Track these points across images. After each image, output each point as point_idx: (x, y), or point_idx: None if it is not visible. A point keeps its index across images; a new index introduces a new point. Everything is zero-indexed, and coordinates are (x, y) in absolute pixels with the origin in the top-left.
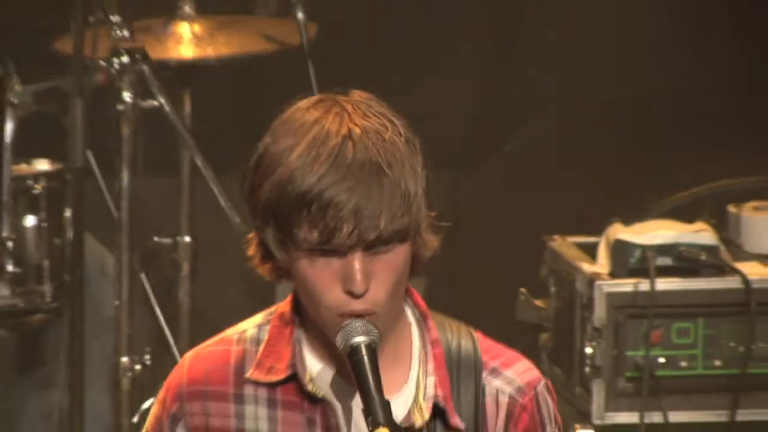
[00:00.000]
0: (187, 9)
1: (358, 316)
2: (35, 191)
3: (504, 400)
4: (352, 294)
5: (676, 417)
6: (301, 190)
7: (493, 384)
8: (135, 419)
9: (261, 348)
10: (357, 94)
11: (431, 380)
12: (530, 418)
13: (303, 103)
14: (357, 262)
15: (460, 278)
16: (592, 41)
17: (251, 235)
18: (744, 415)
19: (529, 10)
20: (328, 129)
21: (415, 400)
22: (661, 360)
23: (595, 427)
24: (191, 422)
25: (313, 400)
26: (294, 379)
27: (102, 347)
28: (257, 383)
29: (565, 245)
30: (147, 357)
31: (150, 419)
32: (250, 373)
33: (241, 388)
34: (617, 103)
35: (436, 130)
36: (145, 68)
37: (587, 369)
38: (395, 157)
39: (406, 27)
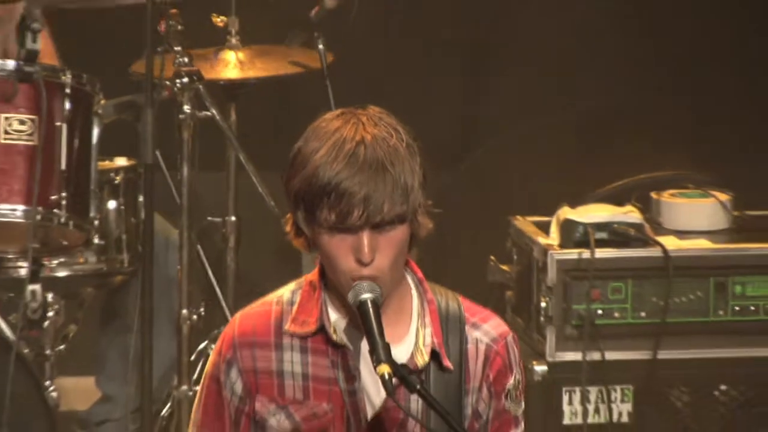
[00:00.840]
0: (234, 41)
1: (366, 279)
2: (116, 182)
3: (482, 347)
4: (361, 263)
5: (610, 356)
6: (322, 183)
7: (473, 335)
8: (192, 357)
9: (295, 308)
10: (372, 109)
11: (428, 331)
12: (502, 361)
13: (328, 115)
14: (365, 238)
15: (446, 250)
16: (557, 59)
17: (288, 216)
18: (662, 354)
19: (503, 33)
20: (346, 135)
21: (416, 346)
22: (599, 312)
23: (547, 363)
24: (242, 365)
25: (336, 346)
26: (321, 331)
27: (167, 302)
28: (293, 335)
29: (525, 223)
30: (201, 309)
31: (208, 366)
32: (287, 327)
33: (280, 339)
34: (571, 112)
35: (428, 134)
36: (200, 87)
37: (542, 319)
38: (397, 158)
39: (401, 51)
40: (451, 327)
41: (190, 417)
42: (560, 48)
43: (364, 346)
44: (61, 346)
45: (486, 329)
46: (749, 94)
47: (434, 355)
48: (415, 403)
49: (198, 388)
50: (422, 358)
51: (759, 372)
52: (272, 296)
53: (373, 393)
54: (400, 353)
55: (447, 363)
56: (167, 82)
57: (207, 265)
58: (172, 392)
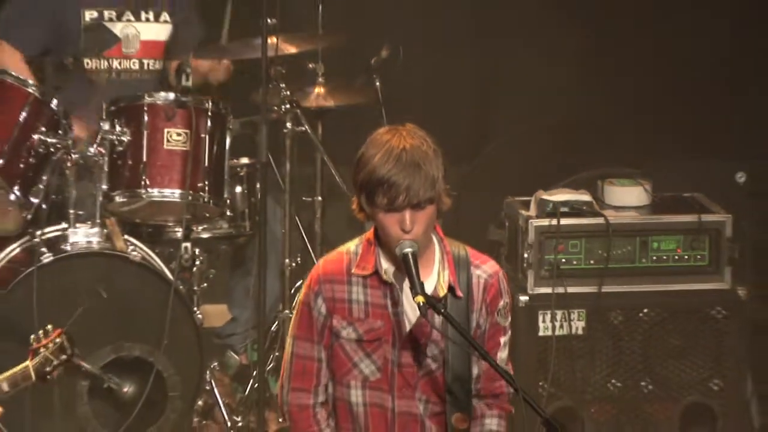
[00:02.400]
0: (320, 79)
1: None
2: (241, 174)
3: (482, 280)
4: (404, 231)
5: (570, 290)
6: (379, 177)
7: (476, 273)
8: (292, 291)
9: (358, 257)
10: (409, 125)
11: (446, 272)
12: (495, 289)
13: (381, 130)
14: (407, 215)
15: (461, 218)
16: (538, 83)
17: (354, 198)
18: (605, 289)
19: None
20: (393, 144)
21: (438, 282)
22: (563, 260)
23: (528, 295)
24: (325, 295)
25: (386, 284)
26: (376, 273)
27: (275, 255)
28: (357, 275)
29: (514, 201)
30: (298, 259)
31: (301, 295)
32: (354, 270)
33: (349, 277)
34: (550, 123)
35: (448, 139)
36: (298, 111)
37: (524, 265)
38: (427, 159)
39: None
40: (461, 267)
41: (289, 331)
42: (535, 71)
43: (405, 284)
44: (204, 284)
45: (485, 268)
46: (670, 102)
47: (450, 288)
48: (438, 321)
49: (295, 311)
50: (442, 290)
51: (669, 300)
52: (343, 248)
53: (410, 314)
54: (428, 287)
55: (459, 293)
56: (275, 107)
57: (302, 229)
58: (278, 314)
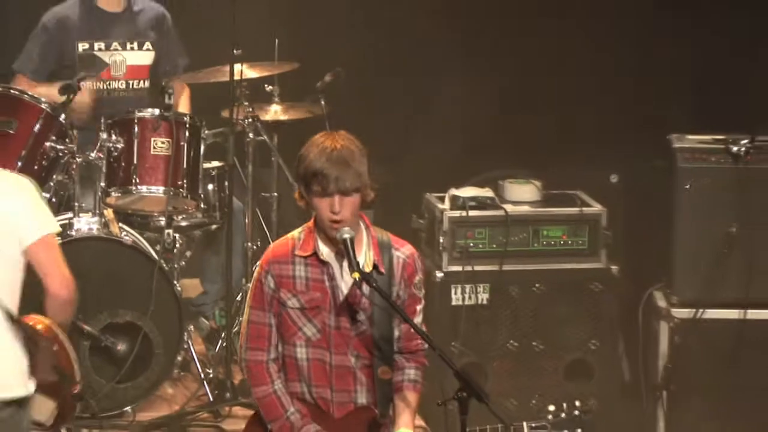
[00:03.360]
0: (276, 98)
1: (336, 223)
2: (213, 174)
3: (401, 260)
4: (333, 213)
5: (477, 268)
6: (313, 170)
7: (396, 254)
8: (253, 269)
9: (300, 242)
10: (342, 132)
11: (371, 253)
12: (411, 267)
13: (318, 134)
14: (336, 200)
15: (389, 210)
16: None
17: (297, 189)
18: (505, 267)
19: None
20: (327, 144)
21: (365, 260)
22: (471, 244)
23: (443, 272)
24: (273, 272)
25: (323, 263)
26: (315, 254)
27: (240, 240)
28: (300, 256)
29: (431, 197)
30: (258, 243)
31: (255, 273)
32: (297, 252)
33: (293, 258)
34: (462, 131)
35: (375, 142)
36: (258, 124)
37: (440, 248)
38: (354, 157)
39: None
40: (384, 249)
41: (246, 302)
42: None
43: (336, 262)
44: (182, 263)
45: (403, 251)
46: (559, 115)
47: (375, 266)
48: (367, 292)
49: (251, 286)
50: (368, 267)
51: (556, 277)
52: (290, 234)
53: (344, 287)
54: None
55: (382, 269)
56: (240, 120)
57: (261, 219)
58: (242, 287)
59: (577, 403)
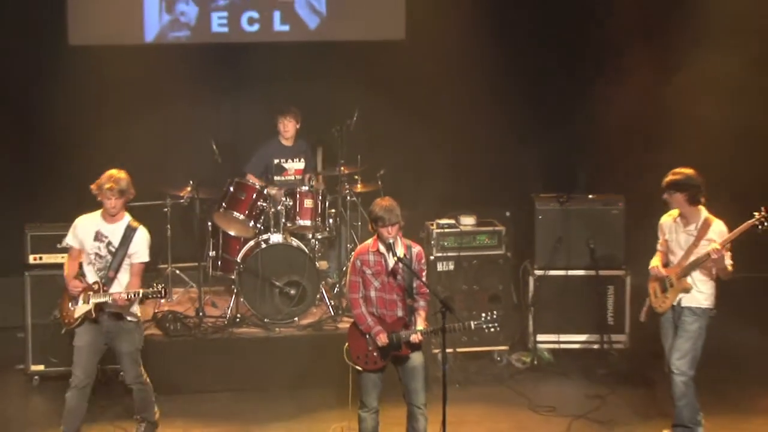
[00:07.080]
0: (358, 179)
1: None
2: (332, 214)
3: (415, 252)
4: (388, 234)
5: (448, 254)
6: (378, 215)
7: (413, 249)
8: (350, 256)
9: (371, 243)
10: (387, 197)
11: (402, 248)
12: (420, 255)
13: (378, 198)
14: (389, 229)
15: (408, 230)
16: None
17: (369, 222)
18: (461, 254)
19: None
20: (383, 203)
21: (400, 252)
22: (446, 244)
23: (434, 256)
24: (360, 258)
25: (381, 254)
26: (378, 250)
27: (344, 243)
28: (371, 251)
29: (427, 223)
30: (350, 245)
31: (352, 259)
32: (370, 249)
33: (368, 250)
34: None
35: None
36: (352, 192)
37: (432, 246)
38: (395, 208)
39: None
40: (407, 247)
41: (348, 271)
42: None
43: (387, 253)
44: (319, 254)
45: (416, 247)
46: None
47: (404, 255)
48: (401, 265)
49: (350, 264)
50: (401, 254)
51: (483, 258)
52: (365, 242)
53: (390, 263)
54: (397, 253)
55: (407, 255)
56: (345, 190)
57: (354, 235)
58: (345, 266)
59: (494, 314)
